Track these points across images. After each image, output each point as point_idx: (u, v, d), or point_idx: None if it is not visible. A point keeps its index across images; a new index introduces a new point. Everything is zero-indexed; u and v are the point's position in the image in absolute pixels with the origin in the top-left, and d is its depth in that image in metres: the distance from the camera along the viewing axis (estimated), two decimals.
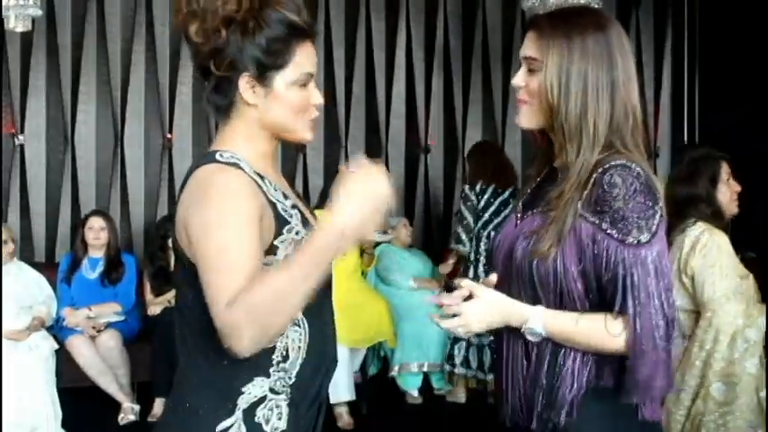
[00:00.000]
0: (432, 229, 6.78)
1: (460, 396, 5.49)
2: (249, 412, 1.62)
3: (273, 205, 1.63)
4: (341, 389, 4.92)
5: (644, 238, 1.67)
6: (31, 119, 6.03)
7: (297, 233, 1.64)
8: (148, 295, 5.50)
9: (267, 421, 1.63)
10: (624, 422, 1.74)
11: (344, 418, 4.99)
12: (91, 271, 5.43)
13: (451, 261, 5.67)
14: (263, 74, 1.65)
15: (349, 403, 5.03)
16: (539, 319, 1.73)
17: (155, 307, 5.37)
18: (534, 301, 1.76)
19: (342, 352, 4.37)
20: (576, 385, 1.73)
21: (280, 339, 1.63)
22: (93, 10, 6.09)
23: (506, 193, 5.33)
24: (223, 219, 1.52)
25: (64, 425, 4.72)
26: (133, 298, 5.47)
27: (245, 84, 1.65)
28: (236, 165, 1.62)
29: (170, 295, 5.22)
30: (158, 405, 5.02)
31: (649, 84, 7.04)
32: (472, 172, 5.52)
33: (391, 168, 6.64)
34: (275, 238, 1.61)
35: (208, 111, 1.73)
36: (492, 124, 6.83)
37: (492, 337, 2.00)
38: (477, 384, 5.49)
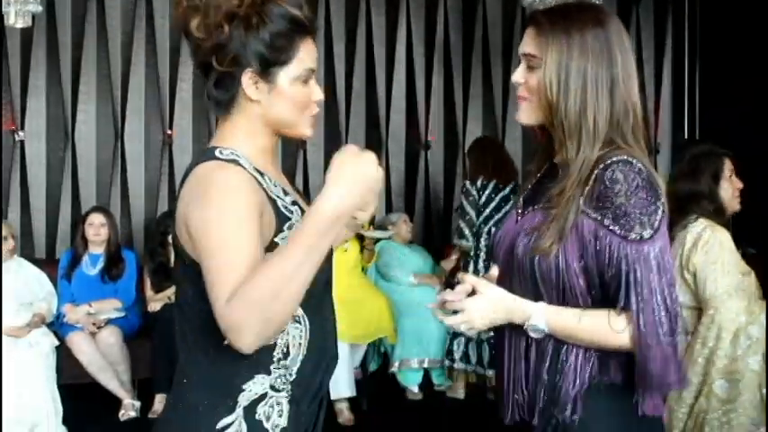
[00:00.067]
0: (432, 224, 6.78)
1: (459, 392, 5.50)
2: (250, 409, 1.61)
3: (274, 202, 1.63)
4: (341, 385, 4.93)
5: (646, 233, 1.67)
6: (31, 115, 6.02)
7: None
8: (149, 291, 5.50)
9: (268, 418, 1.62)
10: (627, 418, 1.74)
11: (345, 414, 4.99)
12: (91, 267, 5.43)
13: (454, 257, 5.67)
14: (266, 70, 1.64)
15: (349, 399, 5.04)
16: (541, 316, 1.73)
17: (155, 303, 5.37)
18: (536, 297, 1.76)
19: (342, 348, 4.39)
20: (578, 381, 1.73)
21: (280, 336, 1.62)
22: (93, 7, 6.08)
23: (507, 189, 5.32)
24: (223, 216, 1.51)
25: (64, 421, 4.72)
26: (133, 294, 5.47)
27: (248, 80, 1.64)
28: (235, 162, 1.61)
29: (170, 291, 5.22)
30: (159, 401, 5.02)
31: (650, 80, 7.02)
32: (473, 168, 5.51)
33: (391, 164, 6.64)
34: (276, 234, 1.61)
35: (208, 106, 1.72)
36: (492, 119, 6.82)
37: (491, 333, 1.99)
38: (476, 379, 5.50)
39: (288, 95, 1.67)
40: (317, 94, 1.72)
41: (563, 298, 1.73)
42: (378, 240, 5.65)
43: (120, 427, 4.95)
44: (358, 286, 5.31)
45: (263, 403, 1.62)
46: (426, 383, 5.61)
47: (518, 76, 1.82)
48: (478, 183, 5.32)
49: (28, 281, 5.13)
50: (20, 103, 5.99)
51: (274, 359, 1.63)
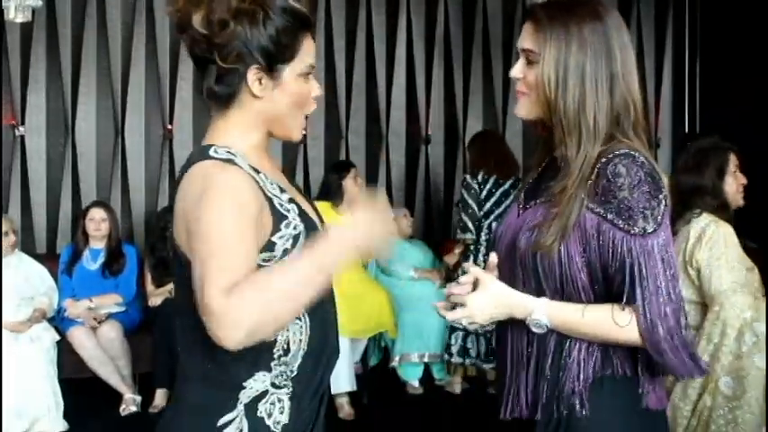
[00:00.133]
0: (432, 219, 6.77)
1: (456, 387, 5.50)
2: (251, 406, 1.61)
3: (270, 201, 1.61)
4: (342, 380, 4.93)
5: (650, 227, 1.66)
6: (31, 110, 6.01)
7: (294, 227, 1.62)
8: (149, 286, 5.50)
9: (269, 415, 1.62)
10: (630, 411, 1.73)
11: (345, 408, 4.99)
12: (92, 262, 5.43)
13: (458, 251, 5.66)
14: (272, 66, 1.63)
15: (350, 394, 5.04)
16: (543, 311, 1.72)
17: (155, 298, 5.37)
18: (538, 292, 1.75)
19: (343, 343, 4.37)
20: (581, 376, 1.72)
21: (281, 333, 1.62)
22: (94, 1, 6.06)
23: (507, 184, 5.31)
24: (222, 218, 1.50)
25: (65, 416, 4.73)
26: (134, 289, 5.47)
27: (253, 76, 1.62)
28: (231, 161, 1.59)
29: (171, 286, 5.21)
30: (159, 396, 5.03)
31: (650, 76, 7.00)
32: (473, 161, 5.49)
33: (392, 158, 6.63)
34: (272, 234, 1.59)
35: (207, 101, 1.70)
36: (493, 113, 6.80)
37: (487, 327, 1.99)
38: (476, 373, 5.50)
39: (291, 92, 1.66)
40: (317, 89, 1.71)
41: (565, 292, 1.72)
42: None
43: (120, 422, 4.95)
44: (358, 281, 5.31)
45: (264, 400, 1.62)
46: (427, 378, 5.62)
47: (516, 71, 1.81)
48: (479, 177, 5.30)
49: (29, 276, 5.14)
50: (20, 99, 5.98)
51: (275, 356, 1.63)
